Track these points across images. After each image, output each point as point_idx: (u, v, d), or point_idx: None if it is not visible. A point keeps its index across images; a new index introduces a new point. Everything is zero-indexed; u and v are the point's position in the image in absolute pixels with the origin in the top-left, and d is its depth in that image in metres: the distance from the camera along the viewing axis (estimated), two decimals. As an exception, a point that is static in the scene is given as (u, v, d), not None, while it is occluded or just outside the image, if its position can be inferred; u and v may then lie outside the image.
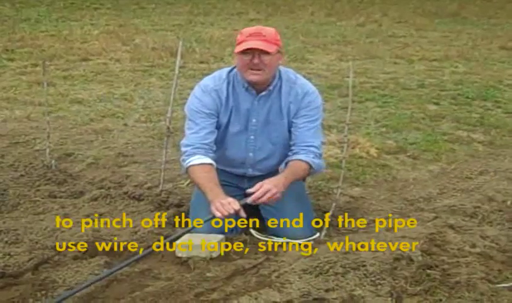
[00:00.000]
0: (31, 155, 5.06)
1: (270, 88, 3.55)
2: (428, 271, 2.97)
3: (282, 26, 12.54)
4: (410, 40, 11.36)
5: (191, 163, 3.50)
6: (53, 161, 4.74)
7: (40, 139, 5.41)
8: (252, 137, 3.62)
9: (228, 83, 3.56)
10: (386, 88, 7.67)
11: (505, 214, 3.90)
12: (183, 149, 3.58)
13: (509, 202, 4.10)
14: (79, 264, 3.21)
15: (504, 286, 2.90)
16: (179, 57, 4.24)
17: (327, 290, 2.83)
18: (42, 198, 4.17)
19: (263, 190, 3.35)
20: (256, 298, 2.78)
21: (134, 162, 5.02)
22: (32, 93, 7.18)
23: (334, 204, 3.84)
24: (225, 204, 3.29)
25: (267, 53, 3.36)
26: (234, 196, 3.57)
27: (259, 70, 3.41)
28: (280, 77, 3.58)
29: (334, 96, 7.15)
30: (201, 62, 9.06)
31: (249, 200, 3.38)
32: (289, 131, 3.62)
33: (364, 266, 2.96)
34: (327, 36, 11.46)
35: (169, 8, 14.89)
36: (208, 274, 3.14)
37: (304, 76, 8.22)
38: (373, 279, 2.88)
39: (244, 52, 3.38)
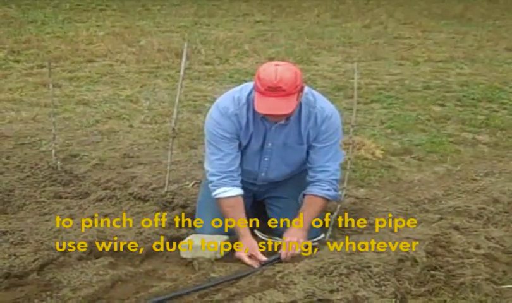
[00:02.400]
0: (37, 156, 5.07)
1: (290, 117, 3.43)
2: (433, 272, 2.97)
3: (288, 28, 12.55)
4: (416, 42, 11.33)
5: (218, 196, 3.47)
6: (58, 162, 4.75)
7: (46, 140, 5.44)
8: (266, 159, 3.57)
9: (248, 108, 3.40)
10: (391, 90, 7.66)
11: (511, 215, 3.89)
12: (209, 178, 3.53)
13: (514, 204, 4.09)
14: (84, 265, 3.22)
15: (508, 287, 2.90)
16: (184, 59, 4.24)
17: (331, 291, 2.82)
18: (48, 199, 4.18)
19: (290, 253, 3.35)
20: (260, 299, 2.78)
21: (140, 163, 5.03)
22: (38, 94, 7.20)
23: (338, 206, 3.84)
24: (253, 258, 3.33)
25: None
26: (243, 198, 3.58)
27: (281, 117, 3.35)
28: (300, 105, 3.41)
29: (339, 98, 7.14)
30: (207, 64, 9.07)
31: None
32: (307, 153, 3.56)
33: (368, 267, 2.96)
34: (333, 38, 11.45)
35: (174, 10, 14.90)
36: (212, 275, 3.16)
37: (310, 78, 8.27)
38: (377, 280, 2.88)
39: None
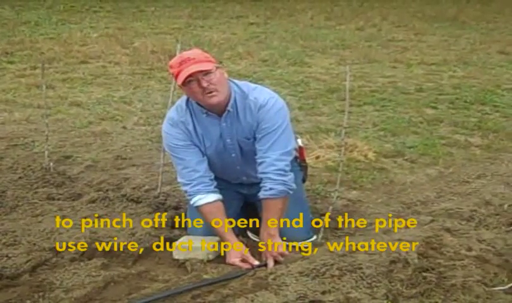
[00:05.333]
0: (30, 157, 5.07)
1: (229, 108, 3.36)
2: (424, 274, 2.98)
3: (281, 30, 12.57)
4: (409, 44, 11.37)
5: (196, 204, 3.46)
6: (51, 164, 4.75)
7: (39, 141, 5.43)
8: (233, 155, 3.53)
9: (190, 113, 3.42)
10: (384, 92, 7.68)
11: (502, 218, 3.90)
12: (183, 188, 3.52)
13: (505, 206, 4.11)
14: (76, 266, 3.23)
15: (499, 289, 2.91)
16: (177, 60, 4.24)
17: (323, 292, 2.83)
18: (40, 200, 4.18)
19: (276, 258, 3.33)
20: (252, 301, 2.78)
21: (133, 165, 5.04)
22: (31, 95, 7.21)
23: (331, 208, 3.85)
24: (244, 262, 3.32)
25: (208, 72, 3.24)
26: (233, 200, 3.58)
27: (214, 91, 3.27)
28: (234, 96, 3.39)
29: (332, 100, 7.18)
30: (200, 66, 9.05)
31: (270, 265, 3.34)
32: None
33: (360, 268, 2.96)
34: (326, 40, 11.48)
35: (168, 11, 14.90)
36: (205, 276, 3.16)
37: (303, 80, 8.27)
38: (369, 281, 2.88)
39: (188, 80, 3.24)
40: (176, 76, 3.27)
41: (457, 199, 4.31)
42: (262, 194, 3.41)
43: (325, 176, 4.75)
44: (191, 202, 3.49)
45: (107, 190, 4.41)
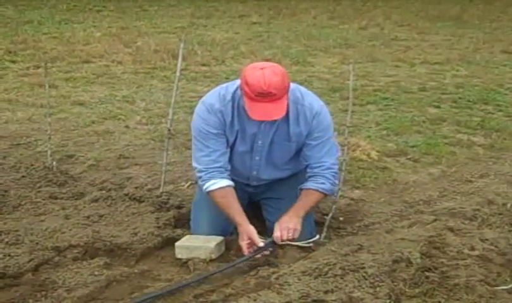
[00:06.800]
0: (33, 157, 5.08)
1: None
2: (427, 274, 2.97)
3: (284, 29, 12.57)
4: (412, 44, 11.36)
5: (208, 189, 3.45)
6: (54, 163, 4.75)
7: (42, 140, 5.44)
8: (257, 158, 3.54)
9: (233, 106, 3.36)
10: (387, 91, 7.68)
11: (505, 217, 3.89)
12: (197, 174, 3.51)
13: (509, 205, 4.10)
14: (79, 265, 3.23)
15: (502, 289, 2.90)
16: (180, 60, 4.24)
17: (326, 292, 2.82)
18: (43, 199, 4.18)
19: (283, 231, 3.41)
20: (255, 300, 2.78)
21: (135, 164, 5.04)
22: (34, 94, 7.21)
23: (333, 207, 3.84)
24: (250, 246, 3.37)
25: None
26: (238, 199, 3.58)
27: None
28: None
29: (335, 99, 7.16)
30: (203, 65, 9.08)
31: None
32: (297, 151, 3.54)
33: (363, 268, 2.96)
34: (329, 40, 11.47)
35: (171, 11, 14.92)
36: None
37: (306, 80, 8.26)
38: (372, 281, 2.88)
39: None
40: (247, 95, 3.19)
41: (460, 199, 4.31)
42: (310, 185, 3.49)
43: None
44: (204, 187, 3.47)
45: (109, 189, 4.41)
